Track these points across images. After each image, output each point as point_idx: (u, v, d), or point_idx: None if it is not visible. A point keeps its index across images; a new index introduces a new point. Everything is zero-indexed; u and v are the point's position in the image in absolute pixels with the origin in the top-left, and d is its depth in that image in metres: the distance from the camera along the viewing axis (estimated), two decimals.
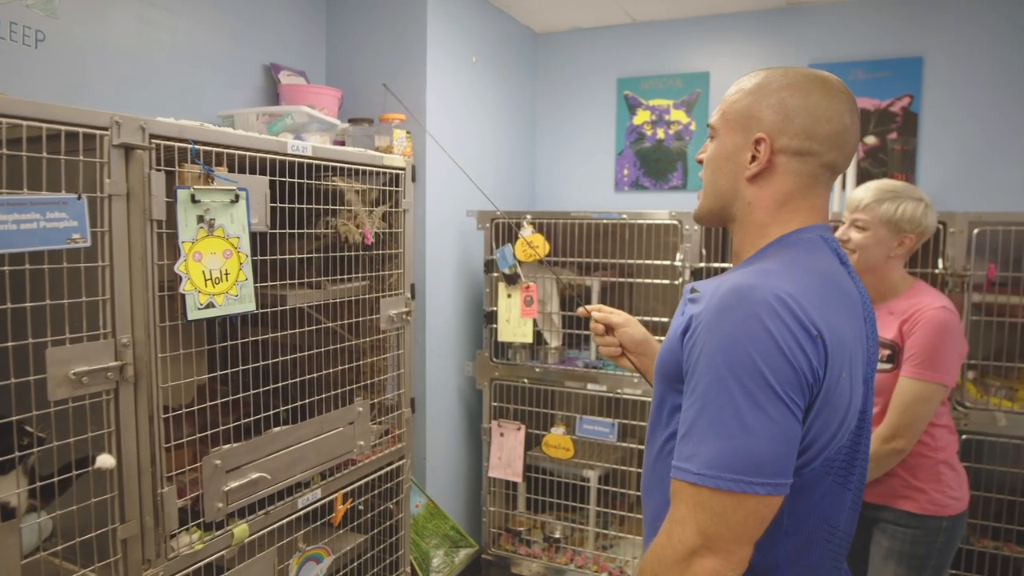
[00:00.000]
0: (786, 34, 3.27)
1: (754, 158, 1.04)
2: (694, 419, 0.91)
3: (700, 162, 1.14)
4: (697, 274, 2.67)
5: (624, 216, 2.80)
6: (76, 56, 2.07)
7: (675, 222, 2.72)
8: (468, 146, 3.19)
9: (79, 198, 1.19)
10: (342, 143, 2.74)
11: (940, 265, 2.40)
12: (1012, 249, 2.37)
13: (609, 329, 1.42)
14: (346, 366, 1.97)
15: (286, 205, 1.64)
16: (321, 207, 1.81)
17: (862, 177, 3.04)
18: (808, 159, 1.03)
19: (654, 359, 1.31)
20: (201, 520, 1.47)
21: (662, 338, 1.30)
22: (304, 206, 1.71)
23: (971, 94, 3.01)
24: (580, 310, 1.45)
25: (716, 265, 2.70)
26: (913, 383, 1.71)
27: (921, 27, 3.07)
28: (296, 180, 1.68)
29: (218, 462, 1.49)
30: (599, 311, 1.43)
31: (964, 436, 2.39)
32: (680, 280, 2.71)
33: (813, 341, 0.89)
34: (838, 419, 0.94)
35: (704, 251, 2.69)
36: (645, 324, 2.80)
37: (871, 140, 3.15)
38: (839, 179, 2.82)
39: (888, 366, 1.80)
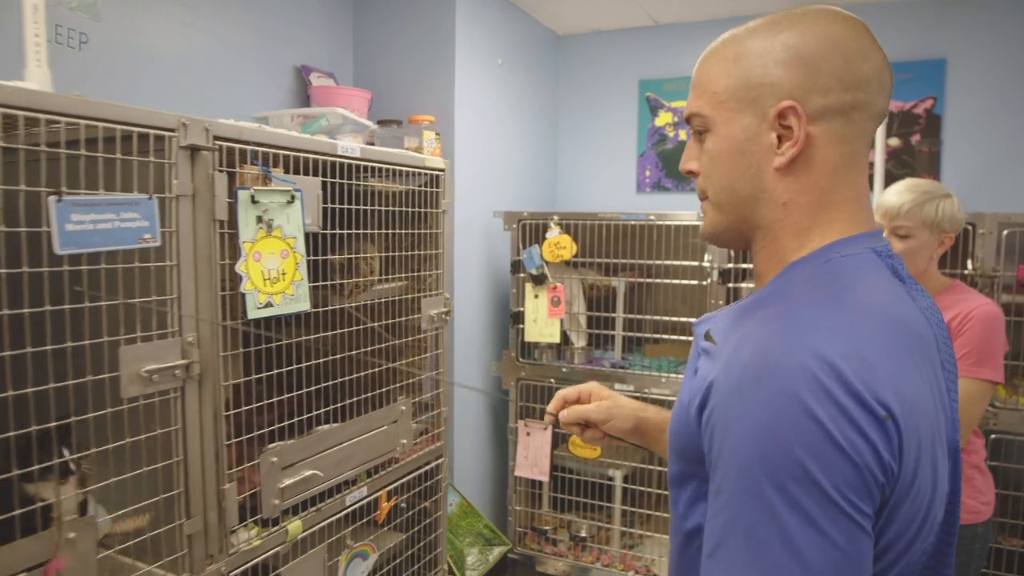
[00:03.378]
0: None
1: (781, 138, 0.77)
2: (723, 534, 0.67)
3: (690, 173, 0.86)
4: (726, 275, 2.69)
5: (652, 217, 2.82)
6: (117, 58, 2.10)
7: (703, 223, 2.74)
8: (495, 147, 3.21)
9: (150, 198, 1.21)
10: (371, 144, 2.77)
11: (969, 266, 2.42)
12: None
13: (590, 424, 1.15)
14: (387, 366, 1.98)
15: (336, 206, 1.66)
16: (368, 208, 1.82)
17: (888, 180, 3.06)
18: (854, 115, 0.77)
19: (650, 435, 1.13)
20: (259, 516, 1.49)
21: (660, 400, 1.06)
22: (353, 207, 1.73)
23: (994, 96, 3.02)
24: (547, 418, 1.19)
25: (745, 266, 2.72)
26: (968, 382, 1.70)
27: (944, 30, 3.09)
28: (344, 181, 1.70)
29: (275, 459, 1.50)
30: (571, 411, 1.14)
31: (993, 436, 2.41)
32: (709, 281, 2.72)
33: (880, 424, 0.64)
34: (921, 514, 0.70)
35: (732, 252, 2.71)
36: (668, 324, 2.84)
37: (894, 142, 3.17)
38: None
39: None
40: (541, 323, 2.95)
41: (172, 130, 1.25)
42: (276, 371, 1.54)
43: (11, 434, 1.05)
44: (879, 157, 2.76)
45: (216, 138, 1.33)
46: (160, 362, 1.24)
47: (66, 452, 1.13)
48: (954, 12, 3.07)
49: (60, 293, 1.10)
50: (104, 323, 1.17)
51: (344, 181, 1.70)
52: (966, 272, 2.41)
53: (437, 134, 2.69)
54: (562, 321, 2.95)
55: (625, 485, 3.01)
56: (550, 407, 1.19)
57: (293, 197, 1.49)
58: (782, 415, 0.64)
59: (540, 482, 3.15)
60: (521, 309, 2.99)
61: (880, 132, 2.75)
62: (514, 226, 3.01)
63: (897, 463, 0.65)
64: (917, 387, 0.69)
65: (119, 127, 1.16)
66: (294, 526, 1.57)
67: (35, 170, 1.08)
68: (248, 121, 2.48)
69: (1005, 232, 2.38)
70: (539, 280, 2.92)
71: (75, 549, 1.12)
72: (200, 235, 1.31)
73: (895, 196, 1.83)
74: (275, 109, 2.68)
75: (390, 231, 1.94)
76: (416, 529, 2.12)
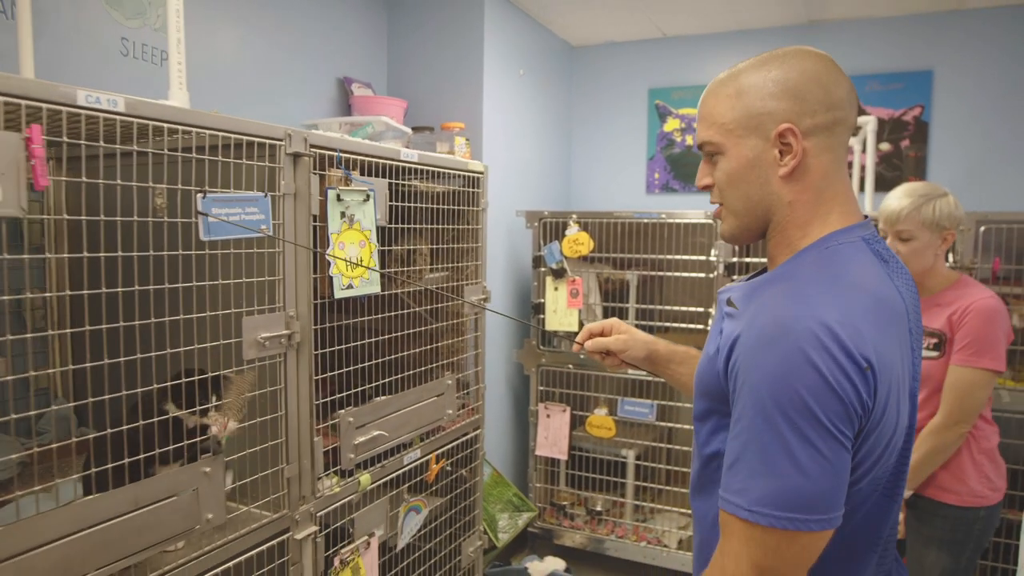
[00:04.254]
0: None
1: (782, 153, 0.98)
2: (741, 451, 0.89)
3: (706, 187, 1.07)
4: (731, 269, 2.95)
5: (663, 215, 3.09)
6: (190, 71, 2.35)
7: (710, 221, 3.00)
8: (516, 151, 3.48)
9: (265, 196, 1.47)
10: (406, 148, 3.02)
11: (950, 259, 2.68)
12: (1015, 245, 2.65)
13: (610, 352, 1.41)
14: (432, 345, 2.24)
15: (398, 204, 1.92)
16: (421, 206, 2.08)
17: (876, 181, 3.33)
18: (836, 130, 0.99)
19: (659, 364, 1.39)
20: (338, 467, 1.74)
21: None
22: (411, 204, 1.99)
23: (977, 104, 3.30)
24: (575, 346, 1.44)
25: (748, 260, 2.98)
26: (967, 371, 1.84)
27: (931, 43, 3.36)
28: (405, 182, 1.96)
29: (351, 419, 1.76)
30: (593, 342, 1.41)
31: None
32: (715, 274, 2.99)
33: (862, 373, 0.86)
34: (885, 442, 0.93)
35: (737, 247, 2.97)
36: (678, 314, 3.10)
37: (885, 146, 3.44)
38: (857, 182, 3.10)
39: (935, 354, 1.91)
40: (560, 313, 3.21)
41: (280, 139, 1.51)
42: (352, 344, 1.80)
43: (168, 383, 1.31)
44: (870, 160, 3.03)
45: (312, 146, 1.59)
46: (270, 331, 1.50)
47: (213, 397, 1.38)
48: (940, 27, 3.34)
49: (201, 272, 1.36)
50: (232, 297, 1.43)
51: (405, 182, 1.96)
52: (947, 266, 2.68)
53: (467, 139, 2.96)
54: (580, 311, 3.21)
55: (637, 462, 3.27)
56: (579, 338, 1.43)
57: (368, 196, 1.75)
58: (792, 364, 0.85)
59: (558, 460, 3.41)
60: (542, 300, 3.25)
61: (871, 137, 3.02)
62: (535, 224, 3.27)
63: (872, 401, 0.88)
64: (890, 348, 0.91)
65: (245, 137, 1.42)
66: (364, 478, 1.83)
67: (181, 170, 1.34)
68: (300, 127, 2.76)
69: (982, 229, 2.64)
70: (559, 274, 3.18)
71: (210, 480, 1.38)
72: (300, 227, 1.57)
73: (895, 202, 1.92)
74: (320, 117, 2.94)
75: (437, 226, 2.20)
76: (456, 492, 2.38)
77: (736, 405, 0.92)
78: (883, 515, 0.99)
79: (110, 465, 1.23)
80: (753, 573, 0.88)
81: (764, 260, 2.99)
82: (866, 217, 1.06)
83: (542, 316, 3.26)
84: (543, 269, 3.23)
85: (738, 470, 0.90)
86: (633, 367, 1.43)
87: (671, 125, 3.82)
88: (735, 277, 2.96)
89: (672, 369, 1.40)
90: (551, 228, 3.27)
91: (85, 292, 1.17)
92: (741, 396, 0.90)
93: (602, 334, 1.43)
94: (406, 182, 2.08)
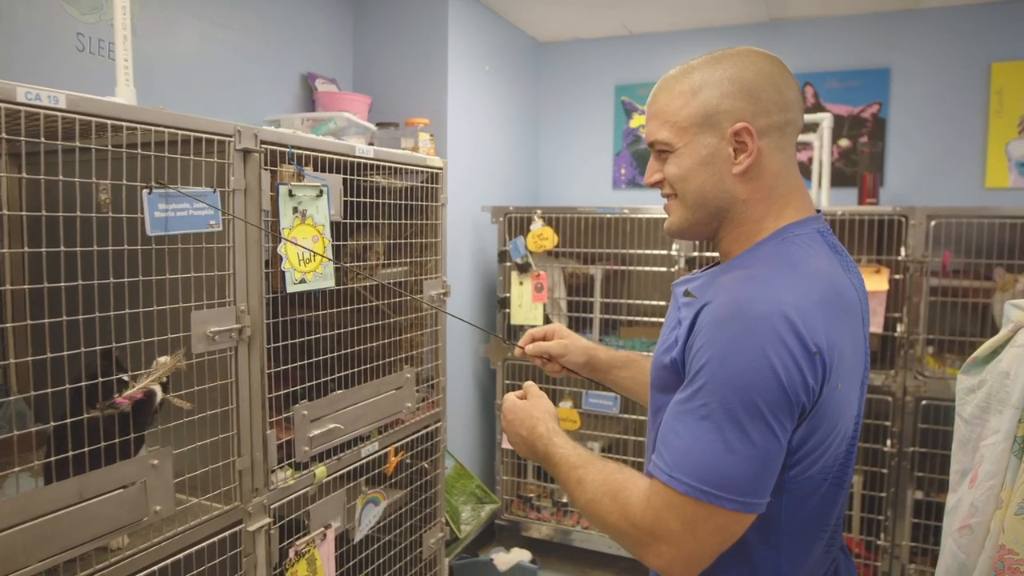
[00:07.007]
0: (769, 46, 3.55)
1: (736, 151, 1.00)
2: (677, 418, 0.93)
3: (656, 184, 1.08)
4: (692, 263, 3.01)
5: (625, 211, 3.13)
6: (149, 67, 2.35)
7: None
8: (483, 146, 3.50)
9: (214, 191, 1.48)
10: (371, 144, 3.04)
11: (902, 253, 2.75)
12: (964, 238, 2.72)
13: (552, 357, 1.44)
14: (391, 339, 2.27)
15: (353, 199, 1.94)
16: (378, 201, 2.10)
17: (836, 176, 3.39)
18: (787, 130, 1.02)
19: (600, 370, 1.40)
20: (293, 460, 1.77)
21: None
22: (367, 200, 2.01)
23: (933, 101, 3.37)
24: (516, 350, 1.48)
25: (709, 254, 3.03)
26: None
27: (889, 41, 3.43)
28: (360, 178, 1.98)
29: (305, 412, 1.78)
30: (534, 346, 1.44)
31: (924, 401, 2.74)
32: (676, 268, 3.04)
33: (811, 359, 0.88)
34: (834, 429, 0.95)
35: (696, 242, 3.02)
36: (641, 308, 3.15)
37: (844, 143, 3.51)
38: (815, 178, 3.16)
39: None
40: (526, 308, 3.24)
41: (230, 136, 1.53)
42: (305, 338, 1.82)
43: (114, 377, 1.33)
44: (826, 156, 3.09)
45: (262, 142, 1.61)
46: (220, 325, 1.52)
47: (158, 390, 1.40)
48: (897, 26, 3.41)
49: (148, 267, 1.38)
50: (180, 292, 1.45)
51: (360, 178, 1.98)
52: (899, 259, 2.75)
53: (431, 135, 2.97)
54: (545, 306, 3.25)
55: (603, 454, 3.31)
56: (520, 342, 1.46)
57: (321, 191, 1.77)
58: (741, 347, 0.88)
59: None
60: (507, 295, 3.28)
61: (827, 134, 3.08)
62: (500, 219, 3.30)
63: (819, 386, 0.90)
64: (842, 335, 0.93)
65: (192, 133, 1.44)
66: (320, 470, 1.85)
67: (126, 167, 1.35)
68: (262, 124, 2.76)
69: (933, 223, 2.71)
70: (523, 268, 3.22)
71: (158, 472, 1.39)
72: (251, 222, 1.58)
73: None
74: (284, 113, 2.94)
75: (395, 221, 2.22)
76: (418, 484, 2.41)
77: (688, 372, 0.95)
78: (831, 503, 1.02)
79: (53, 458, 1.25)
80: (663, 532, 0.91)
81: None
82: (819, 211, 1.09)
83: (508, 310, 3.29)
84: (508, 264, 3.26)
85: (669, 436, 0.93)
86: (574, 373, 1.45)
87: (637, 121, 3.87)
88: (695, 271, 3.00)
89: (615, 375, 1.41)
90: (516, 223, 3.31)
91: (26, 287, 1.18)
92: (693, 366, 0.93)
93: (544, 339, 1.45)
94: (364, 178, 2.10)
